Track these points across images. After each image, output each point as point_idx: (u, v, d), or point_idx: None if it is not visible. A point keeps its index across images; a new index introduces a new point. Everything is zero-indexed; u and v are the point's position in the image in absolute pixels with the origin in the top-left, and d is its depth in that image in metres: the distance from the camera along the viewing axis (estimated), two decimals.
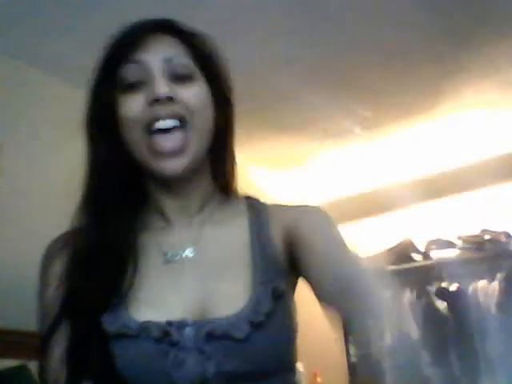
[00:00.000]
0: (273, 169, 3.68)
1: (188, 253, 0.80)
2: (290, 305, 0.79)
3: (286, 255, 0.80)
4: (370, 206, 4.39)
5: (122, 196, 0.80)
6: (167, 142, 0.75)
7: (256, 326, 0.70)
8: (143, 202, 0.86)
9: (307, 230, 0.79)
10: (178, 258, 0.80)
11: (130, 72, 0.77)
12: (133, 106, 0.76)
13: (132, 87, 0.77)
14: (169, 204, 0.83)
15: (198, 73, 0.80)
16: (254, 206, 0.88)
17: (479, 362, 3.49)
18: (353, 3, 2.17)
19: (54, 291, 0.75)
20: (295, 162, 3.90)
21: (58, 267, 0.76)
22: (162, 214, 0.84)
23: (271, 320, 0.72)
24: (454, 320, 3.57)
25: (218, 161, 0.87)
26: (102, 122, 0.79)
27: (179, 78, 0.78)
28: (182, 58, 0.79)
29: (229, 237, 0.83)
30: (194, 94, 0.78)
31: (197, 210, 0.84)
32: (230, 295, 0.75)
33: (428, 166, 4.20)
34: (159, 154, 0.76)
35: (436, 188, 4.25)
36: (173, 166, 0.76)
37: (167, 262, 0.80)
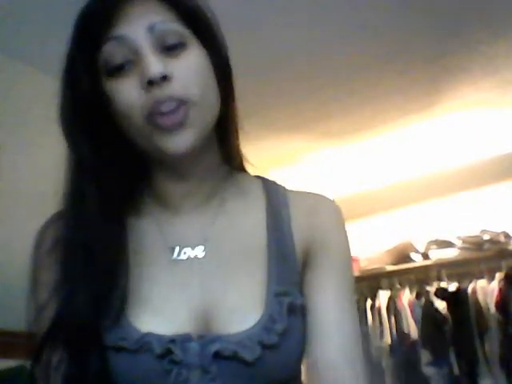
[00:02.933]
0: (271, 168, 3.68)
1: (198, 252, 0.71)
2: (304, 316, 0.70)
3: (303, 260, 0.73)
4: (370, 205, 4.39)
5: (110, 194, 0.70)
6: (172, 118, 0.65)
7: (268, 347, 0.63)
8: (142, 184, 0.76)
9: (325, 262, 0.72)
10: (186, 256, 0.71)
11: (112, 52, 0.65)
12: (126, 92, 0.65)
13: (119, 69, 0.65)
14: (174, 189, 0.73)
15: (190, 36, 0.68)
16: (271, 191, 0.78)
17: (479, 361, 3.50)
18: (351, 3, 2.17)
19: (46, 298, 0.67)
20: (293, 162, 3.90)
21: (50, 270, 0.68)
22: (165, 199, 0.74)
23: (285, 340, 0.65)
24: (453, 320, 3.58)
25: (225, 135, 0.75)
26: (85, 115, 0.68)
27: (171, 48, 0.66)
28: (168, 23, 0.66)
29: (243, 233, 0.73)
30: (191, 65, 0.66)
31: (206, 195, 0.74)
32: (240, 306, 0.67)
33: (428, 166, 4.21)
34: (163, 129, 0.65)
35: (436, 188, 4.26)
36: (179, 142, 0.65)
37: (174, 260, 0.71)
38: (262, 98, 2.79)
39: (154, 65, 0.63)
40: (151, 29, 0.65)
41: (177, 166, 0.71)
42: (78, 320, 0.64)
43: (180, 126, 0.65)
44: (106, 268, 0.67)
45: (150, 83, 0.63)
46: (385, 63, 2.69)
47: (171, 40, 0.66)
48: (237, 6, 2.01)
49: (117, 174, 0.71)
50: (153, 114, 0.64)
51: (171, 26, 0.66)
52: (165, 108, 0.64)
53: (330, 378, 0.67)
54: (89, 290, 0.65)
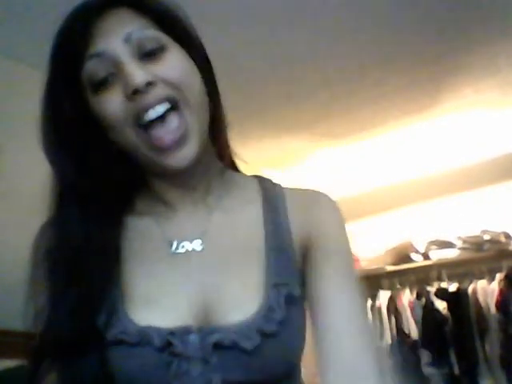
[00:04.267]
0: (271, 169, 3.68)
1: (196, 245, 0.72)
2: (303, 308, 0.71)
3: (302, 253, 0.73)
4: (370, 205, 4.39)
5: (99, 201, 0.70)
6: (166, 135, 0.65)
7: (267, 335, 0.64)
8: (139, 184, 0.77)
9: (323, 254, 0.72)
10: (184, 250, 0.72)
11: (94, 69, 0.65)
12: (111, 105, 0.65)
13: (102, 84, 0.65)
14: (171, 189, 0.75)
15: (167, 39, 0.68)
16: (267, 188, 0.78)
17: (479, 361, 3.50)
18: (351, 3, 2.17)
19: (42, 298, 0.67)
20: (294, 162, 3.90)
21: (46, 268, 0.68)
22: (163, 198, 0.75)
23: (283, 329, 0.65)
24: (453, 320, 3.58)
25: (215, 132, 0.75)
26: (69, 135, 0.68)
27: (150, 54, 0.66)
28: (144, 30, 0.67)
29: (241, 227, 0.74)
30: (173, 65, 0.67)
31: (203, 192, 0.75)
32: (239, 298, 0.67)
33: (428, 166, 4.21)
34: (160, 149, 0.66)
35: (436, 188, 4.26)
36: (180, 158, 0.66)
37: (172, 254, 0.71)
38: (263, 98, 2.79)
39: (137, 73, 0.64)
40: (128, 38, 0.66)
41: (175, 173, 0.71)
42: (66, 334, 0.64)
43: (182, 141, 0.65)
44: (96, 272, 0.67)
45: (135, 92, 0.64)
46: (385, 64, 2.69)
47: (149, 45, 0.66)
48: (238, 6, 2.01)
49: (108, 187, 0.72)
50: (140, 119, 0.65)
51: (147, 32, 0.67)
52: (151, 115, 0.65)
53: (343, 369, 0.67)
54: (78, 301, 0.65)
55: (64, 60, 0.67)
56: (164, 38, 0.68)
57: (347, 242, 0.76)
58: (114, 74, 0.65)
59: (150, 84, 0.64)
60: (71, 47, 0.66)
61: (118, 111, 0.65)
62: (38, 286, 0.70)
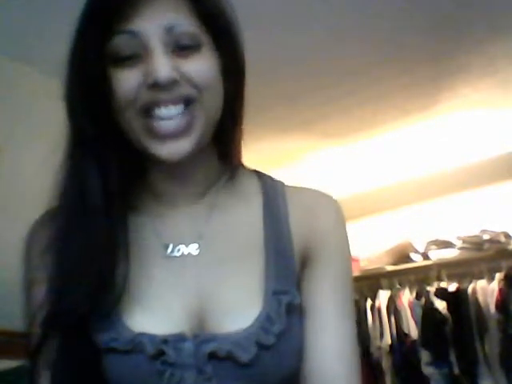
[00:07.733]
0: (271, 168, 3.67)
1: (192, 249, 0.69)
2: (302, 316, 0.69)
3: (302, 260, 0.71)
4: (369, 205, 4.39)
5: (108, 183, 0.68)
6: (169, 126, 0.63)
7: (264, 347, 0.62)
8: (137, 179, 0.74)
9: (323, 268, 0.71)
10: (179, 253, 0.69)
11: (123, 44, 0.63)
12: (126, 84, 0.63)
13: (125, 60, 0.63)
14: (168, 188, 0.72)
15: (205, 38, 0.66)
16: (267, 187, 0.76)
17: (479, 361, 3.50)
18: (351, 4, 2.17)
19: (41, 295, 0.65)
20: (293, 162, 3.90)
21: (44, 270, 0.66)
22: (160, 195, 0.73)
23: (282, 340, 0.63)
24: (453, 320, 3.58)
25: (224, 135, 0.73)
26: (87, 95, 0.66)
27: (183, 49, 0.64)
28: (185, 25, 0.64)
29: (240, 229, 0.71)
30: (203, 67, 0.64)
31: (202, 191, 0.73)
32: (236, 305, 0.65)
33: (427, 166, 4.21)
34: (157, 136, 0.64)
35: (436, 188, 4.26)
36: (173, 150, 0.64)
37: (167, 257, 0.69)
38: (262, 98, 2.79)
39: (164, 67, 0.61)
40: (169, 30, 0.63)
41: (173, 167, 0.69)
42: (75, 310, 0.63)
43: (182, 133, 0.64)
44: (106, 261, 0.66)
45: (156, 85, 0.62)
46: (385, 63, 2.69)
47: (186, 42, 0.64)
48: (236, 6, 2.02)
49: (117, 158, 0.69)
50: (148, 116, 0.63)
51: (189, 28, 0.64)
52: (162, 113, 0.63)
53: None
54: (87, 283, 0.64)
55: (97, 23, 0.64)
56: (202, 36, 0.66)
57: (348, 253, 0.74)
58: (141, 55, 0.63)
59: (173, 82, 0.62)
60: (108, 14, 0.63)
61: (130, 93, 0.63)
62: (34, 282, 0.68)
